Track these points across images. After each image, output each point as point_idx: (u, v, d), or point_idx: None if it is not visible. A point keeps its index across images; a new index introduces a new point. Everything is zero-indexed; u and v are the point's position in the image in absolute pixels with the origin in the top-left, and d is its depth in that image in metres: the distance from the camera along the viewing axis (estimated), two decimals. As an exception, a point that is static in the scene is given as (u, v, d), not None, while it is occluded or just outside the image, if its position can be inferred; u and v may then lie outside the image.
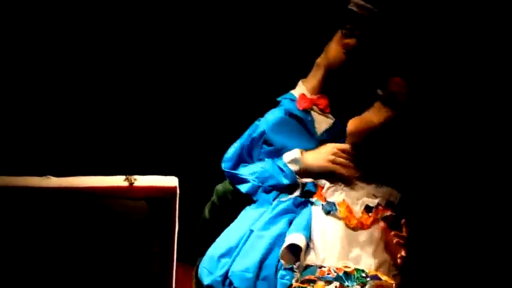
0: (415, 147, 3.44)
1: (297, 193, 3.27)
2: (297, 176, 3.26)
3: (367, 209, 3.21)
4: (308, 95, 3.39)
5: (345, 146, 3.25)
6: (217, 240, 3.26)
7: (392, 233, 3.18)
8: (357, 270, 3.10)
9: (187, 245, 3.10)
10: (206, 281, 3.18)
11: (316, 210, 3.23)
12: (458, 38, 3.79)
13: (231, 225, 3.29)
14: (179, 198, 2.84)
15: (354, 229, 3.17)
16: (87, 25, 4.02)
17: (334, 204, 3.21)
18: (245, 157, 3.36)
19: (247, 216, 3.28)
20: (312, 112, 3.38)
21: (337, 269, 3.09)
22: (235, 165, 3.36)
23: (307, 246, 3.16)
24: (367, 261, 3.13)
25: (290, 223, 3.22)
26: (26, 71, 3.98)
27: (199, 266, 3.24)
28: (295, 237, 3.15)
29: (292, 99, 3.40)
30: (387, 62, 3.47)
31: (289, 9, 3.91)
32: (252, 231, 3.20)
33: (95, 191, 2.75)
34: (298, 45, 3.80)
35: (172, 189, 2.81)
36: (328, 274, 3.08)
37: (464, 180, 3.75)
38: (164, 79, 4.05)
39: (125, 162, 3.77)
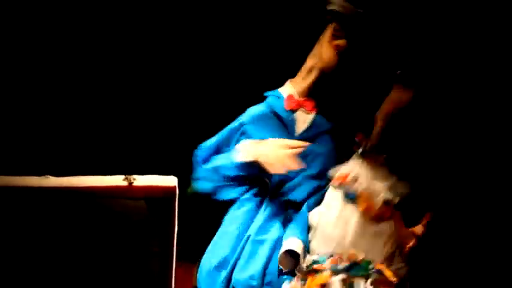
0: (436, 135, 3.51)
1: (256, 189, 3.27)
2: (249, 167, 3.21)
3: (386, 202, 3.22)
4: (296, 97, 3.39)
5: (296, 143, 3.22)
6: (208, 250, 3.24)
7: (422, 223, 3.20)
8: (365, 261, 3.11)
9: (186, 244, 3.10)
10: None
11: (334, 196, 3.23)
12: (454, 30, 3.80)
13: (219, 232, 3.26)
14: (179, 198, 2.84)
15: (371, 220, 3.18)
16: (87, 25, 4.01)
17: (354, 193, 3.21)
18: (223, 148, 3.35)
19: (234, 220, 3.26)
20: (296, 113, 3.37)
21: (347, 257, 3.10)
22: (210, 156, 3.33)
23: (305, 251, 3.16)
24: (376, 253, 3.15)
25: (284, 224, 3.23)
26: (26, 71, 3.98)
27: (197, 281, 3.23)
28: (292, 243, 3.15)
29: (279, 97, 3.40)
30: (380, 60, 3.50)
31: (274, 9, 3.91)
32: (249, 236, 3.19)
33: (94, 190, 2.75)
34: (289, 46, 3.79)
35: (171, 189, 2.80)
36: (338, 264, 3.09)
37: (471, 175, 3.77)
38: (163, 79, 4.04)
39: (124, 161, 3.77)
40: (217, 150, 3.34)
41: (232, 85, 3.93)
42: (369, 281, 3.08)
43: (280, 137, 3.27)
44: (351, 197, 3.19)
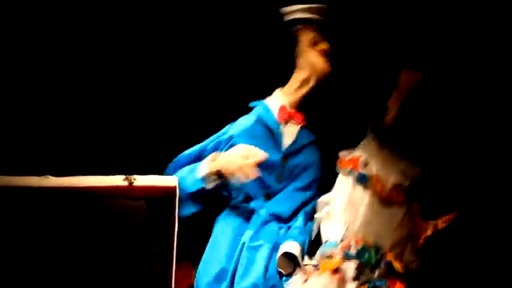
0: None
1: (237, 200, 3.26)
2: (211, 181, 3.17)
3: (398, 186, 3.23)
4: (288, 109, 3.37)
5: (258, 152, 3.19)
6: (204, 261, 3.18)
7: (444, 219, 3.22)
8: (375, 246, 3.13)
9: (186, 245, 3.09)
10: None
11: (344, 182, 3.24)
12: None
13: (211, 242, 3.21)
14: (179, 198, 2.85)
15: (382, 203, 3.19)
16: (88, 26, 4.01)
17: (365, 175, 3.22)
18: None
19: (224, 228, 3.22)
20: (285, 126, 3.35)
21: (356, 241, 3.11)
22: (187, 164, 3.28)
23: (303, 253, 3.17)
24: (385, 237, 3.16)
25: (278, 228, 3.23)
26: (25, 71, 3.98)
27: None
28: (289, 245, 3.14)
29: (267, 109, 3.36)
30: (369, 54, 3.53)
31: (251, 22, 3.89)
32: (243, 243, 3.16)
33: (95, 190, 2.75)
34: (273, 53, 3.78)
35: (172, 189, 2.80)
36: (348, 249, 3.11)
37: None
38: (162, 79, 4.04)
39: (125, 161, 3.76)
40: (198, 159, 3.29)
41: (232, 85, 3.92)
42: (376, 272, 3.09)
43: (269, 150, 3.24)
44: (362, 181, 3.21)
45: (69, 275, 2.73)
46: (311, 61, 3.35)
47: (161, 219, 2.80)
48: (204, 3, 3.94)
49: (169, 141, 3.80)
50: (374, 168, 3.22)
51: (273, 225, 3.23)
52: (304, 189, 3.32)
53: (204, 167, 3.17)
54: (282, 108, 3.35)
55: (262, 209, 3.24)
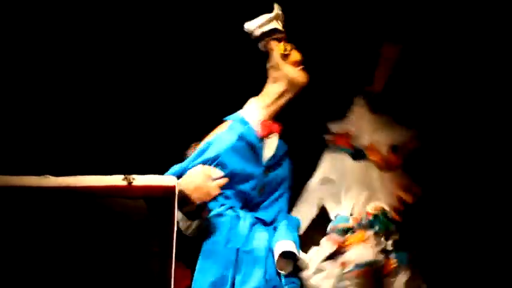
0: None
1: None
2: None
3: (394, 149, 3.26)
4: (268, 123, 3.36)
5: (216, 172, 3.20)
6: (199, 270, 3.14)
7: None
8: (382, 212, 3.20)
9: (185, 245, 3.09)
10: None
11: (342, 158, 3.30)
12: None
13: (203, 251, 3.17)
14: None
15: (384, 170, 3.26)
16: (88, 25, 4.02)
17: (362, 150, 3.28)
18: None
19: (216, 235, 3.19)
20: (266, 140, 3.35)
21: (367, 213, 3.14)
22: None
23: (298, 250, 3.19)
24: (386, 201, 3.24)
25: (268, 229, 3.24)
26: (25, 71, 3.98)
27: None
28: (285, 245, 3.15)
29: (244, 123, 3.34)
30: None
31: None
32: (237, 249, 3.16)
33: (94, 190, 2.75)
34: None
35: (171, 189, 2.80)
36: (361, 221, 3.18)
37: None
38: (162, 79, 4.04)
39: (124, 161, 3.76)
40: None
41: (231, 85, 3.92)
42: (390, 240, 3.17)
43: (252, 166, 3.27)
44: (360, 155, 3.24)
45: (69, 275, 2.73)
46: (287, 74, 3.35)
47: (160, 218, 2.79)
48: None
49: (169, 141, 3.80)
50: (367, 139, 3.28)
51: (261, 228, 3.23)
52: (281, 196, 3.37)
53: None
54: (263, 124, 3.34)
55: (247, 214, 3.25)
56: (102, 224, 2.76)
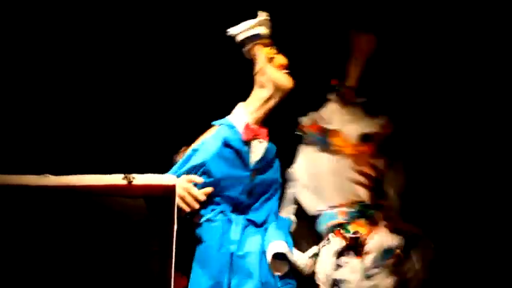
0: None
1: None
2: None
3: (365, 138, 3.27)
4: (252, 127, 3.35)
5: (197, 178, 3.21)
6: (194, 276, 3.15)
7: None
8: (359, 203, 3.23)
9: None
10: None
11: (308, 151, 3.34)
12: None
13: (197, 257, 3.18)
14: (178, 197, 2.84)
15: (350, 157, 3.27)
16: (87, 25, 4.02)
17: (325, 137, 3.32)
18: None
19: (209, 241, 3.19)
20: (251, 144, 3.34)
21: (349, 205, 3.18)
22: None
23: (290, 250, 3.19)
24: (362, 191, 3.27)
25: (260, 232, 3.24)
26: (25, 70, 3.98)
27: None
28: (276, 246, 3.15)
29: (231, 127, 3.34)
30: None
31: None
32: (231, 253, 3.16)
33: (94, 189, 2.74)
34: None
35: (171, 188, 2.80)
36: (346, 214, 3.20)
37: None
38: (161, 79, 4.05)
39: (124, 160, 3.76)
40: None
41: (230, 85, 3.92)
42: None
43: (239, 170, 3.27)
44: (323, 145, 3.26)
45: (68, 274, 2.73)
46: (273, 79, 3.35)
47: (160, 218, 2.79)
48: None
49: (169, 141, 3.80)
50: (336, 126, 3.31)
51: (252, 229, 3.24)
52: (271, 197, 3.37)
53: None
54: (247, 127, 3.33)
55: (239, 217, 3.25)
56: (102, 223, 2.76)
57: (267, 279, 3.13)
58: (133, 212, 2.78)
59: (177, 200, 2.96)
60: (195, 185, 3.19)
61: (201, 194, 3.17)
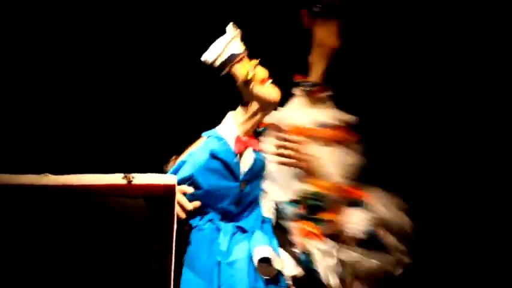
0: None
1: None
2: None
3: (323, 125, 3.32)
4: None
5: (188, 189, 3.21)
6: (183, 286, 3.13)
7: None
8: (314, 193, 3.22)
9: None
10: None
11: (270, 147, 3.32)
12: None
13: (185, 269, 3.17)
14: (178, 197, 2.84)
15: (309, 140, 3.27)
16: (87, 25, 4.02)
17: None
18: None
19: (196, 249, 3.19)
20: (241, 155, 3.32)
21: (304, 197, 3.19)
22: None
23: (276, 253, 3.18)
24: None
25: (247, 239, 3.23)
26: (25, 70, 3.98)
27: None
28: (261, 251, 3.14)
29: (219, 139, 3.32)
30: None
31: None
32: (219, 262, 3.15)
33: (93, 189, 2.74)
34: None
35: (171, 188, 2.79)
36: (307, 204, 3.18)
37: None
38: (161, 78, 4.05)
39: (124, 160, 3.76)
40: None
41: (229, 85, 3.92)
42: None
43: (227, 182, 3.26)
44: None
45: (68, 274, 2.72)
46: (258, 96, 3.29)
47: (160, 217, 2.79)
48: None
49: (168, 140, 3.80)
50: (295, 120, 3.31)
51: (241, 236, 3.23)
52: (258, 203, 3.36)
53: None
54: (238, 140, 3.31)
55: (227, 225, 3.25)
56: (102, 223, 2.75)
57: (257, 285, 3.12)
58: (133, 211, 2.77)
59: None
60: (184, 194, 3.19)
61: (189, 204, 3.17)
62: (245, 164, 3.31)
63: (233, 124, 3.36)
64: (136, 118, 4.01)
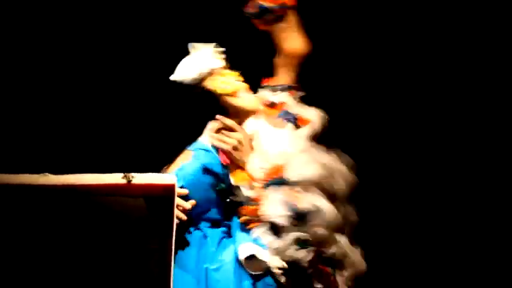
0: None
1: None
2: None
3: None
4: None
5: (182, 190, 3.20)
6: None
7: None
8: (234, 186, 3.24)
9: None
10: None
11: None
12: None
13: (174, 276, 3.12)
14: (178, 196, 2.83)
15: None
16: (87, 25, 4.02)
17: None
18: None
19: (184, 258, 3.20)
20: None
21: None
22: None
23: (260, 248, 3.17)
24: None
25: (231, 241, 3.23)
26: (25, 70, 3.99)
27: None
28: (245, 249, 3.14)
29: (207, 151, 3.33)
30: None
31: None
32: (206, 268, 3.16)
33: (93, 188, 2.74)
34: None
35: (170, 187, 2.79)
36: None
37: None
38: (160, 78, 4.05)
39: (123, 159, 3.76)
40: None
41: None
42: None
43: (217, 193, 3.27)
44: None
45: (67, 274, 2.72)
46: (237, 107, 3.31)
47: (160, 217, 2.79)
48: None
49: (168, 140, 3.80)
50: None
51: (228, 241, 3.24)
52: None
53: None
54: (222, 151, 3.30)
55: (214, 231, 3.26)
56: (101, 222, 2.75)
57: (242, 284, 3.12)
58: (132, 211, 2.77)
59: None
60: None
61: (187, 203, 3.17)
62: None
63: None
64: (136, 118, 4.01)
